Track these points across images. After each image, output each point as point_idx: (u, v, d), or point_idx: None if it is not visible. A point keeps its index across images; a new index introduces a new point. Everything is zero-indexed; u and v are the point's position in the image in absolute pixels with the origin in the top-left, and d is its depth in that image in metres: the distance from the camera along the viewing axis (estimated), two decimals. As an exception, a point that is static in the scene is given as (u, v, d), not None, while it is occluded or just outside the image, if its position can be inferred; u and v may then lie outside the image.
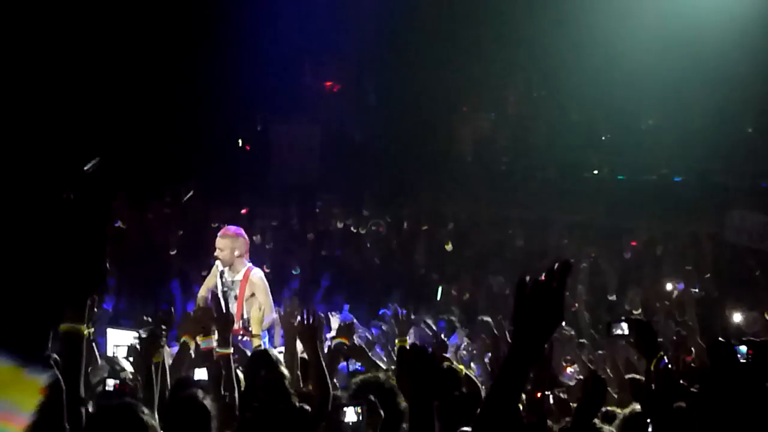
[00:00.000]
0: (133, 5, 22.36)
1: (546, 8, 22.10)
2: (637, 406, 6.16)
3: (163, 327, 7.22)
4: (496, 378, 3.28)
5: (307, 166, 24.46)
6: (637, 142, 22.63)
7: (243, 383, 7.05)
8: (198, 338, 7.50)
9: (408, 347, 3.92)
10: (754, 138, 21.83)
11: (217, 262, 11.24)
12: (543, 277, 3.22)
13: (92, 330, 7.58)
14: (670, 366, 5.87)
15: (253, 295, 11.01)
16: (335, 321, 9.74)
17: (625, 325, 6.16)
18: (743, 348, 5.79)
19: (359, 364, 8.52)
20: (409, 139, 24.17)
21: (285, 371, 6.89)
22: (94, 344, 7.61)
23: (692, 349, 9.45)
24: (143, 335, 6.88)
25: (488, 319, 11.68)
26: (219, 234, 11.36)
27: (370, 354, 9.08)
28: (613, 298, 14.93)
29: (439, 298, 14.77)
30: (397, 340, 9.30)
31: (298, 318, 7.39)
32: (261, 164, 24.99)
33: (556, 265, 3.26)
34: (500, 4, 22.78)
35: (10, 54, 21.00)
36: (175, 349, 8.24)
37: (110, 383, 6.56)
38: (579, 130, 23.81)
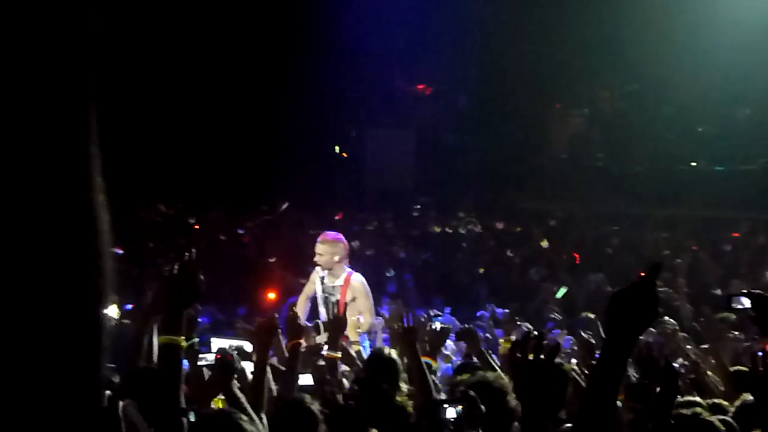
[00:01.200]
0: (230, 22, 22.74)
1: (639, 2, 21.93)
2: (749, 396, 6.03)
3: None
4: (592, 374, 3.31)
5: (402, 171, 24.53)
6: (735, 133, 22.34)
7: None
8: None
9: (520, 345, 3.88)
10: None
11: (317, 268, 11.23)
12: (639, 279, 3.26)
13: (196, 340, 7.65)
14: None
15: (353, 299, 10.96)
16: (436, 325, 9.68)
17: (746, 300, 6.00)
18: None
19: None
20: (503, 140, 24.12)
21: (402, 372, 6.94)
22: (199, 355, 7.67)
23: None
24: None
25: (592, 315, 11.61)
26: (318, 239, 11.27)
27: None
28: (717, 291, 14.69)
29: (560, 296, 14.51)
30: (501, 340, 9.34)
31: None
32: (356, 170, 25.15)
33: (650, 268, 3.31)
34: (593, 1, 22.63)
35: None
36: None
37: (210, 357, 6.41)
38: (674, 122, 23.58)
